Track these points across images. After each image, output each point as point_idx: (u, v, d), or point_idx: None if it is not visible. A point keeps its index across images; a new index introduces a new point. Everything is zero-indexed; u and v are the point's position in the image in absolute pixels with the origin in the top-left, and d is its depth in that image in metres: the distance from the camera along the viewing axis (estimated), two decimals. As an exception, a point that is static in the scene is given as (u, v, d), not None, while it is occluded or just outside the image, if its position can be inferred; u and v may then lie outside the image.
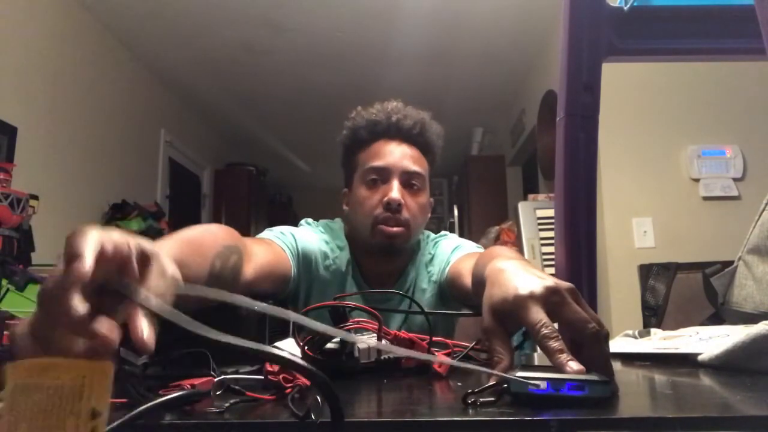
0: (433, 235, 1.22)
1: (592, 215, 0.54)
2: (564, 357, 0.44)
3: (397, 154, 1.08)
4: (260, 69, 3.97)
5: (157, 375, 0.51)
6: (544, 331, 0.45)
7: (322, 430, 0.37)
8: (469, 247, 1.13)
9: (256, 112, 4.78)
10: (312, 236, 1.11)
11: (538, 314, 0.46)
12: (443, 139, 1.18)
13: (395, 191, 1.04)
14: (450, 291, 1.07)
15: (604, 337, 0.47)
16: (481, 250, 1.12)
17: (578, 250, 0.53)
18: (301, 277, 1.04)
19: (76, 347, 0.31)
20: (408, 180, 1.07)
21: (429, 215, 1.16)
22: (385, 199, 1.03)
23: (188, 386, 0.45)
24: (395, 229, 1.04)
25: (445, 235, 1.21)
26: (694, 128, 2.56)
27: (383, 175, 1.06)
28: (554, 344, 0.45)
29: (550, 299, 0.48)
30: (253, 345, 0.33)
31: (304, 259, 1.05)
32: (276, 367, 0.51)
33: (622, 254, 2.44)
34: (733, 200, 2.48)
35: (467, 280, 0.91)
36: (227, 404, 0.40)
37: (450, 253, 1.12)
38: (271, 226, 1.17)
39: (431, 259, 1.16)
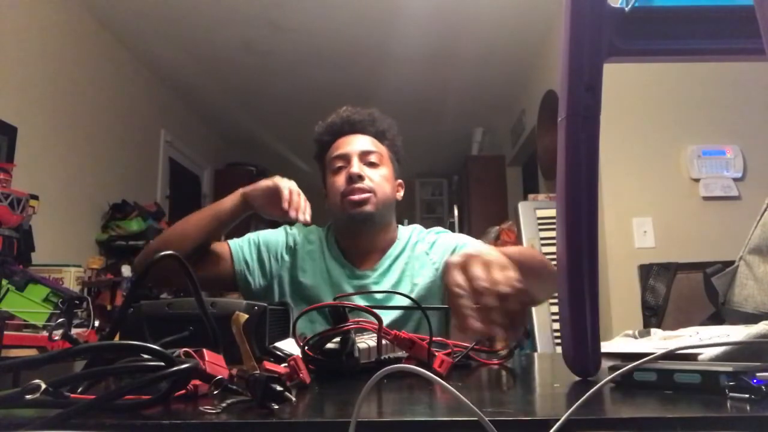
0: (426, 230, 1.30)
1: (593, 216, 0.54)
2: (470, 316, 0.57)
3: (353, 142, 1.23)
4: (260, 69, 3.97)
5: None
6: (456, 290, 0.58)
7: (323, 429, 0.37)
8: (475, 241, 1.24)
9: (256, 112, 4.78)
10: (272, 231, 1.29)
11: (456, 277, 0.60)
12: (396, 129, 1.32)
13: (354, 166, 1.18)
14: None
15: (497, 295, 0.59)
16: (482, 243, 1.24)
17: (580, 250, 0.53)
18: (255, 261, 1.22)
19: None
20: (366, 157, 1.21)
21: (400, 193, 1.30)
22: (348, 174, 1.18)
23: (191, 387, 0.45)
24: (362, 195, 1.16)
25: (446, 230, 1.30)
26: (694, 128, 2.56)
27: (345, 159, 1.21)
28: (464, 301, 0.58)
29: (465, 265, 0.60)
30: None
31: (263, 248, 1.24)
32: (276, 367, 0.51)
33: (622, 254, 2.44)
34: (733, 200, 2.48)
35: None
36: (225, 404, 0.40)
37: (459, 245, 1.20)
38: (270, 226, 1.30)
39: (432, 246, 1.23)
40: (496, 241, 3.47)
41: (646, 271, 2.36)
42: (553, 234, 2.58)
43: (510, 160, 4.69)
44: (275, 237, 1.27)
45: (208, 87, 4.30)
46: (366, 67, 3.96)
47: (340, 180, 1.20)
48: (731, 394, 0.40)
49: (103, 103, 3.35)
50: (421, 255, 1.22)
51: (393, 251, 1.23)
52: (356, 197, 1.16)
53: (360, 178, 1.17)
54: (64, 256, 2.73)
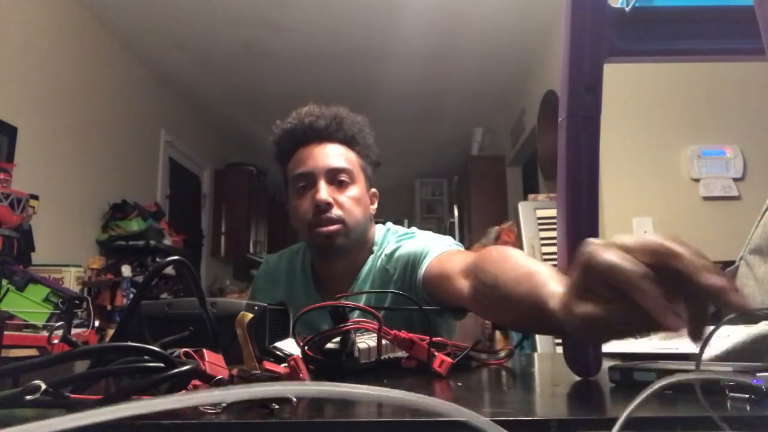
0: (399, 233, 1.16)
1: (594, 216, 0.54)
2: None
3: (318, 156, 1.08)
4: (260, 69, 3.97)
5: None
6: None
7: (324, 429, 0.37)
8: (441, 244, 1.05)
9: (256, 112, 4.78)
10: (257, 279, 1.27)
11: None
12: (369, 127, 1.16)
13: (321, 192, 1.04)
14: (432, 293, 0.99)
15: None
16: (451, 244, 1.05)
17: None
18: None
19: None
20: (334, 177, 1.07)
21: (374, 206, 1.16)
22: (314, 201, 1.04)
23: (191, 387, 0.45)
24: (331, 228, 1.04)
25: (412, 234, 1.14)
26: (694, 128, 2.56)
27: (309, 179, 1.07)
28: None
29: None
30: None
31: (258, 293, 1.21)
32: (277, 367, 0.51)
33: (622, 254, 2.44)
34: (733, 200, 2.48)
35: (459, 284, 0.85)
36: (225, 404, 0.40)
37: (420, 254, 1.04)
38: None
39: (389, 258, 1.10)
40: (496, 241, 3.47)
41: (646, 271, 2.36)
42: (553, 234, 2.58)
43: (510, 160, 4.69)
44: (256, 283, 1.25)
45: (208, 87, 4.30)
46: (366, 67, 3.96)
47: (305, 205, 1.06)
48: (731, 394, 0.40)
49: (103, 103, 3.35)
50: (383, 271, 1.09)
51: (365, 269, 1.11)
52: (324, 230, 1.03)
53: (328, 205, 1.03)
54: (64, 256, 2.74)
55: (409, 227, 1.23)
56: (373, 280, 1.10)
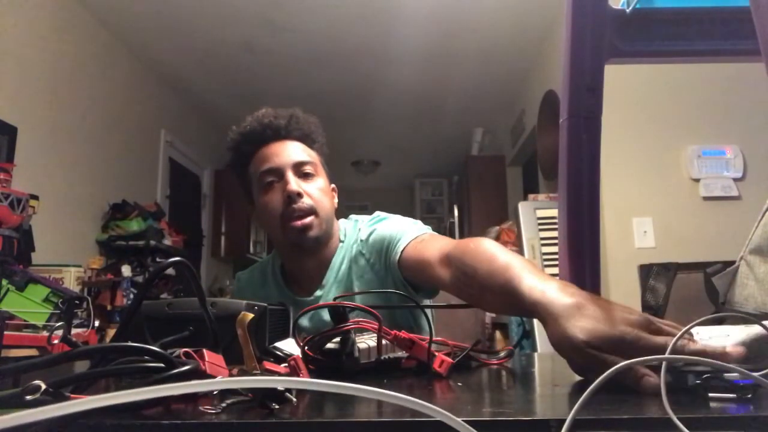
0: (368, 219, 1.18)
1: (595, 216, 0.54)
2: None
3: (282, 152, 1.10)
4: (260, 69, 3.98)
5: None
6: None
7: (324, 429, 0.37)
8: (414, 228, 1.08)
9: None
10: (241, 292, 1.26)
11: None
12: (321, 128, 1.19)
13: (292, 183, 1.05)
14: (410, 277, 1.02)
15: None
16: (423, 228, 1.08)
17: (581, 251, 0.53)
18: None
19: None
20: (300, 170, 1.09)
21: (336, 200, 1.19)
22: (285, 193, 1.05)
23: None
24: (306, 220, 1.05)
25: (383, 217, 1.16)
26: (694, 128, 2.56)
27: (277, 174, 1.08)
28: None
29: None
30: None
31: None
32: (277, 367, 0.51)
33: (622, 254, 2.44)
34: (733, 200, 2.48)
35: (439, 272, 0.88)
36: (225, 404, 0.40)
37: (395, 237, 1.06)
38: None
39: (365, 244, 1.12)
40: (496, 241, 3.46)
41: (646, 271, 2.36)
42: (552, 234, 2.58)
43: (510, 160, 4.69)
44: (242, 295, 1.25)
45: (209, 87, 4.30)
46: (366, 67, 3.96)
47: (276, 199, 1.07)
48: (711, 394, 0.41)
49: (103, 104, 3.35)
50: (359, 257, 1.11)
51: (336, 259, 1.13)
52: (299, 223, 1.05)
53: (299, 196, 1.05)
54: (64, 256, 2.74)
55: (349, 220, 1.24)
56: (348, 270, 1.12)
